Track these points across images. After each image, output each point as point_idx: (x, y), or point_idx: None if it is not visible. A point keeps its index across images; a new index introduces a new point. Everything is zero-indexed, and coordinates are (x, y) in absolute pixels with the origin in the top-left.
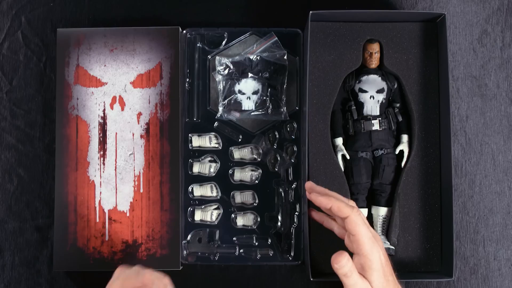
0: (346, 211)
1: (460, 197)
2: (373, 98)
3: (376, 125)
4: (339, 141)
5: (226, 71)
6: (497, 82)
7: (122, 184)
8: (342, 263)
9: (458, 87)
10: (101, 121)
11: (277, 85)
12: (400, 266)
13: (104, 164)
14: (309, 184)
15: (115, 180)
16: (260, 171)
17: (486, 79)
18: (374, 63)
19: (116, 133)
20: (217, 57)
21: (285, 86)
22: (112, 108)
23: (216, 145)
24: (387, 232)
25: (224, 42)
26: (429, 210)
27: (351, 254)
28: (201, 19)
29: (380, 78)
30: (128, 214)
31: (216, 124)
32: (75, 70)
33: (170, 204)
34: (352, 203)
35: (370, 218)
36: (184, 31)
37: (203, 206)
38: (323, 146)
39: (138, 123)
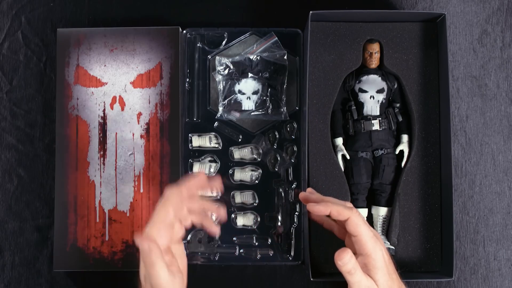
0: (346, 214)
1: (460, 197)
2: (373, 98)
3: (376, 125)
4: (339, 141)
5: (226, 71)
6: (497, 82)
7: (122, 184)
8: (345, 260)
9: (458, 87)
10: (101, 121)
11: (277, 85)
12: (400, 266)
13: (104, 164)
14: (303, 195)
15: (115, 180)
16: (260, 171)
17: (486, 79)
18: (374, 63)
19: (116, 133)
20: (217, 57)
21: (285, 86)
22: (112, 108)
23: (216, 145)
24: (387, 232)
25: (224, 42)
26: (429, 210)
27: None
28: (201, 19)
29: (380, 78)
30: (128, 214)
31: (216, 124)
32: (75, 70)
33: None
34: (349, 204)
35: (370, 218)
36: (184, 31)
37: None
38: (323, 146)
39: (138, 123)
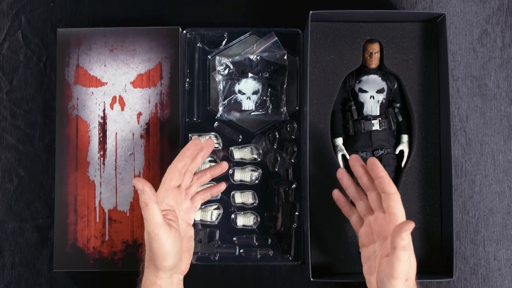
0: (395, 188)
1: (460, 197)
2: (373, 98)
3: (376, 125)
4: (339, 141)
5: (226, 71)
6: (497, 82)
7: (122, 184)
8: (409, 233)
9: (458, 87)
10: (101, 121)
11: (277, 85)
12: None
13: (104, 164)
14: (355, 156)
15: (115, 180)
16: (260, 171)
17: (486, 79)
18: (374, 63)
19: (116, 133)
20: (217, 57)
21: (285, 86)
22: (112, 108)
23: (216, 145)
24: None
25: (224, 42)
26: (429, 210)
27: (358, 254)
28: (201, 19)
29: (380, 78)
30: (128, 214)
31: (216, 124)
32: (75, 70)
33: None
34: None
35: None
36: (184, 31)
37: (203, 206)
38: (323, 146)
39: (138, 123)
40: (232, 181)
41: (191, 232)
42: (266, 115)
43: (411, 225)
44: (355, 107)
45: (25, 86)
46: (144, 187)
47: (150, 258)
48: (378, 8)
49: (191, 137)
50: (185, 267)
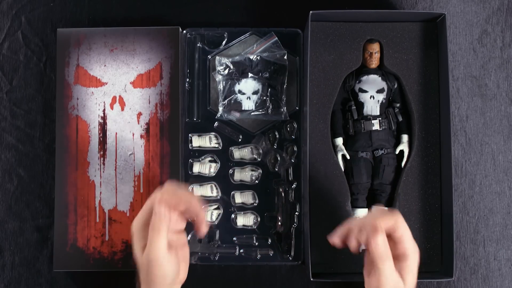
0: (399, 231)
1: (460, 197)
2: (373, 98)
3: (376, 125)
4: (339, 141)
5: (226, 71)
6: (497, 82)
7: (122, 184)
8: (380, 238)
9: (458, 87)
10: (101, 121)
11: (277, 85)
12: None
13: (104, 164)
14: (334, 239)
15: (115, 180)
16: (260, 171)
17: (486, 79)
18: (374, 63)
19: (116, 133)
20: (217, 57)
21: (285, 86)
22: (112, 108)
23: (216, 145)
24: None
25: (224, 42)
26: (429, 210)
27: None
28: (201, 19)
29: (380, 78)
30: (128, 214)
31: (216, 124)
32: (75, 70)
33: None
34: (382, 207)
35: None
36: (184, 31)
37: (203, 206)
38: (323, 146)
39: (138, 123)
40: (232, 181)
41: (184, 239)
42: (266, 115)
43: (376, 233)
44: (355, 107)
45: (25, 86)
46: (165, 213)
47: (147, 282)
48: (378, 8)
49: (191, 137)
50: (182, 276)
